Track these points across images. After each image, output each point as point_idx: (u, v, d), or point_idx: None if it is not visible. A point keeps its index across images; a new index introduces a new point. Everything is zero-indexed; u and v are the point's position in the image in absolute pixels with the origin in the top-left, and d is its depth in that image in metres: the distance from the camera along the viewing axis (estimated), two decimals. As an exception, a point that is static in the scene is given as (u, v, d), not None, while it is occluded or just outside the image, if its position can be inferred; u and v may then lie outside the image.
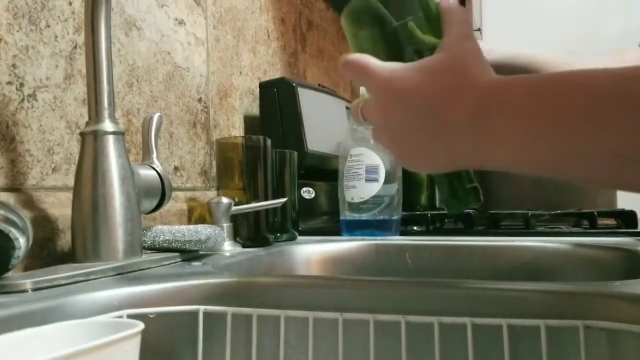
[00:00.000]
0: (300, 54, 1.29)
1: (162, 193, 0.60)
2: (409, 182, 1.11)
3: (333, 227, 0.93)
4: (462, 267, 0.76)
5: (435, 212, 1.00)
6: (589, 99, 0.31)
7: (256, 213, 0.75)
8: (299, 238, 0.85)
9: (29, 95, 0.56)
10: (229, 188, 0.75)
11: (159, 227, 0.59)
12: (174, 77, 0.81)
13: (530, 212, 0.90)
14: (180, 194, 0.79)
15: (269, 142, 0.77)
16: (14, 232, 0.39)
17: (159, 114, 0.62)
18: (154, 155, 0.61)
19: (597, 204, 1.01)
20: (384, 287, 0.42)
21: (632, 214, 0.90)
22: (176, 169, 0.80)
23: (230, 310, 0.43)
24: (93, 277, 0.47)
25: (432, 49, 0.42)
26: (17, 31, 0.55)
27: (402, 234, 0.89)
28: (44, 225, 0.54)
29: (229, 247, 0.69)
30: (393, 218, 0.87)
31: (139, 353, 0.31)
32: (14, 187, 0.54)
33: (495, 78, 0.36)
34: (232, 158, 0.75)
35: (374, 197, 0.86)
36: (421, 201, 1.15)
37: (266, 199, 0.76)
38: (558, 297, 0.39)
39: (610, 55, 0.61)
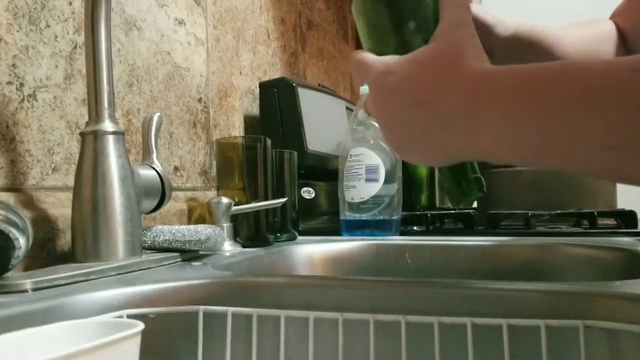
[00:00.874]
0: (300, 54, 1.29)
1: (162, 193, 0.60)
2: (409, 182, 1.11)
3: (333, 227, 0.93)
4: (462, 267, 0.76)
5: (435, 212, 1.00)
6: (581, 89, 0.31)
7: (256, 213, 0.75)
8: (299, 238, 0.85)
9: (29, 95, 0.56)
10: (229, 188, 0.75)
11: (159, 227, 0.59)
12: (174, 77, 0.81)
13: (530, 212, 0.90)
14: (180, 194, 0.79)
15: (269, 142, 0.77)
16: (14, 232, 0.39)
17: (159, 114, 0.62)
18: (154, 155, 0.61)
19: (597, 204, 1.01)
20: (384, 287, 0.42)
21: (632, 214, 0.89)
22: (176, 169, 0.80)
23: (230, 310, 0.43)
24: (93, 277, 0.47)
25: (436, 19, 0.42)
26: (17, 31, 0.55)
27: (402, 234, 0.89)
28: (44, 225, 0.54)
29: (229, 247, 0.69)
30: (393, 218, 0.87)
31: (139, 353, 0.31)
32: (14, 187, 0.54)
33: (486, 67, 0.36)
34: (232, 158, 0.75)
35: (374, 197, 0.86)
36: (421, 201, 1.15)
37: (266, 199, 0.76)
38: (558, 297, 0.39)
39: (587, 25, 0.62)
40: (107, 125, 0.52)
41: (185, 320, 0.44)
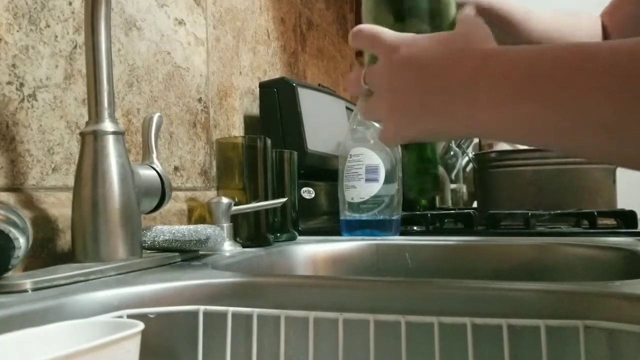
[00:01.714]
0: (300, 54, 1.29)
1: (162, 193, 0.60)
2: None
3: (333, 227, 0.93)
4: (462, 267, 0.76)
5: (435, 212, 1.00)
6: (580, 70, 0.32)
7: (256, 213, 0.75)
8: (299, 238, 0.85)
9: (29, 95, 0.56)
10: (229, 188, 0.75)
11: (159, 227, 0.59)
12: (174, 77, 0.81)
13: (530, 212, 0.90)
14: (180, 194, 0.79)
15: (269, 142, 0.77)
16: (14, 232, 0.39)
17: (159, 114, 0.62)
18: (154, 155, 0.61)
19: (597, 204, 1.01)
20: (384, 287, 0.42)
21: (632, 214, 0.90)
22: (176, 169, 0.80)
23: (230, 310, 0.43)
24: (93, 277, 0.47)
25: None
26: (17, 31, 0.55)
27: (402, 234, 0.89)
28: (44, 225, 0.54)
29: (229, 247, 0.69)
30: (393, 218, 0.87)
31: (139, 353, 0.31)
32: (14, 187, 0.54)
33: (495, 47, 0.38)
34: (232, 158, 0.75)
35: (374, 197, 0.86)
36: (421, 201, 1.15)
37: (266, 199, 0.76)
38: (558, 297, 0.39)
39: (567, 15, 0.64)
40: (107, 125, 0.52)
41: (185, 320, 0.44)
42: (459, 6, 0.53)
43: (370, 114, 0.46)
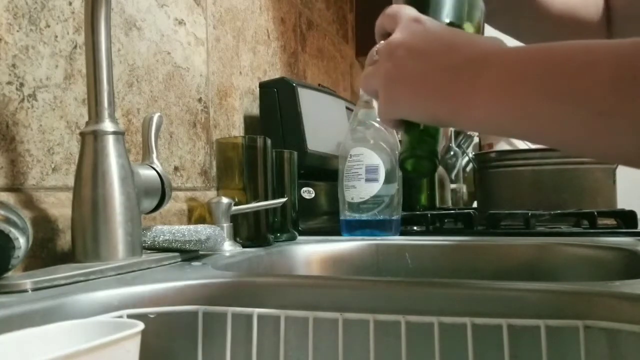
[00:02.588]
0: (300, 54, 1.29)
1: (162, 193, 0.60)
2: (409, 182, 1.12)
3: (333, 227, 0.93)
4: (462, 267, 0.76)
5: (435, 212, 1.00)
6: (589, 60, 0.33)
7: (256, 213, 0.75)
8: (299, 238, 0.85)
9: (29, 95, 0.56)
10: (229, 188, 0.75)
11: (159, 227, 0.59)
12: (174, 77, 0.81)
13: (530, 212, 0.90)
14: (180, 194, 0.79)
15: (269, 142, 0.77)
16: (14, 232, 0.39)
17: (159, 114, 0.62)
18: (154, 155, 0.61)
19: (597, 204, 1.01)
20: (384, 287, 0.42)
21: (632, 214, 0.90)
22: (176, 169, 0.80)
23: (230, 310, 0.43)
24: (93, 277, 0.47)
25: None
26: (17, 31, 0.55)
27: (402, 234, 0.89)
28: (44, 225, 0.54)
29: (229, 247, 0.69)
30: (393, 218, 0.87)
31: (139, 353, 0.31)
32: (14, 187, 0.54)
33: (506, 46, 0.39)
34: (232, 158, 0.75)
35: (374, 197, 0.86)
36: (421, 201, 1.15)
37: (266, 199, 0.76)
38: (558, 297, 0.39)
39: None
40: (107, 125, 0.52)
41: (185, 320, 0.44)
42: None
43: (367, 82, 0.45)
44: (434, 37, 0.41)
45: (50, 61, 0.59)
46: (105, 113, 0.52)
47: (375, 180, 0.86)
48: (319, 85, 1.25)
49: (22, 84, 0.55)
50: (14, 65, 0.55)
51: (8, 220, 0.39)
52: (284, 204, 0.79)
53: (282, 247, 0.75)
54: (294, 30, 1.26)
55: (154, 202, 0.59)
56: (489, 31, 0.53)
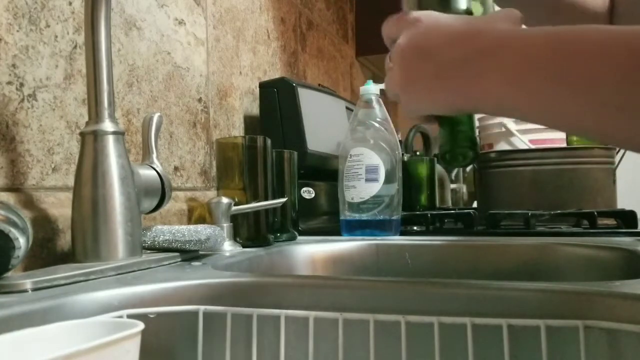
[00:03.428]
0: (300, 54, 1.29)
1: (162, 193, 0.60)
2: (409, 182, 1.12)
3: (333, 227, 0.93)
4: (462, 267, 0.76)
5: (435, 212, 1.00)
6: (604, 48, 0.32)
7: (256, 213, 0.75)
8: (299, 238, 0.85)
9: (29, 95, 0.56)
10: (229, 188, 0.75)
11: (159, 227, 0.59)
12: (174, 77, 0.81)
13: (530, 212, 0.90)
14: (180, 194, 0.79)
15: (269, 142, 0.77)
16: (14, 232, 0.39)
17: (159, 114, 0.62)
18: (154, 155, 0.61)
19: (597, 204, 1.01)
20: (384, 287, 0.42)
21: (632, 214, 0.89)
22: (176, 169, 0.80)
23: (230, 310, 0.43)
24: (93, 277, 0.47)
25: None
26: (17, 31, 0.55)
27: (402, 234, 0.89)
28: (44, 225, 0.54)
29: (229, 247, 0.69)
30: (393, 218, 0.87)
31: (139, 353, 0.31)
32: (14, 187, 0.54)
33: (517, 28, 0.40)
34: (232, 158, 0.75)
35: (374, 197, 0.86)
36: (421, 201, 1.15)
37: (266, 199, 0.76)
38: (558, 297, 0.39)
39: None
40: (107, 125, 0.52)
41: (185, 320, 0.44)
42: None
43: (388, 88, 0.46)
44: (437, 33, 0.42)
45: (50, 61, 0.59)
46: (105, 113, 0.52)
47: (375, 180, 0.86)
48: (319, 85, 1.25)
49: (22, 84, 0.55)
50: (14, 65, 0.55)
51: (8, 220, 0.39)
52: (284, 204, 0.79)
53: (282, 247, 0.75)
54: (294, 30, 1.26)
55: (154, 202, 0.59)
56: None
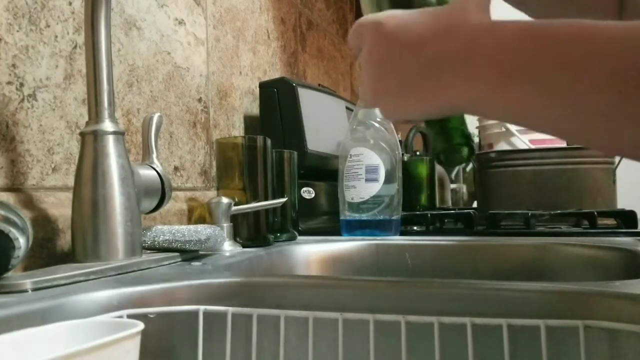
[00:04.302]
0: (300, 54, 1.29)
1: (162, 193, 0.60)
2: (409, 182, 1.12)
3: (333, 227, 0.93)
4: (462, 267, 0.76)
5: (435, 212, 1.00)
6: (586, 51, 0.30)
7: (256, 213, 0.75)
8: (299, 238, 0.85)
9: (29, 95, 0.56)
10: (229, 188, 0.75)
11: (159, 227, 0.59)
12: (174, 77, 0.81)
13: (530, 212, 0.90)
14: (180, 194, 0.79)
15: (269, 142, 0.77)
16: (14, 232, 0.39)
17: (159, 114, 0.62)
18: (154, 155, 0.61)
19: (597, 204, 1.01)
20: (384, 287, 0.42)
21: (632, 214, 0.89)
22: (176, 169, 0.80)
23: (230, 310, 0.43)
24: (93, 277, 0.47)
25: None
26: (17, 31, 0.55)
27: (402, 234, 0.89)
28: (44, 225, 0.54)
29: (229, 247, 0.69)
30: (393, 218, 0.87)
31: (139, 353, 0.31)
32: (14, 187, 0.54)
33: (487, 21, 0.36)
34: (232, 158, 0.75)
35: (374, 197, 0.86)
36: (421, 201, 1.15)
37: (266, 199, 0.76)
38: (558, 297, 0.39)
39: None
40: (107, 125, 0.52)
41: (185, 320, 0.44)
42: None
43: (361, 98, 0.43)
44: (403, 37, 0.38)
45: (50, 61, 0.59)
46: (105, 113, 0.52)
47: (375, 180, 0.86)
48: (319, 85, 1.25)
49: (22, 84, 0.55)
50: (14, 65, 0.55)
51: (8, 220, 0.39)
52: (284, 204, 0.79)
53: (282, 247, 0.75)
54: (294, 30, 1.26)
55: (154, 202, 0.59)
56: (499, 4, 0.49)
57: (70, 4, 0.62)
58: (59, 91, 0.60)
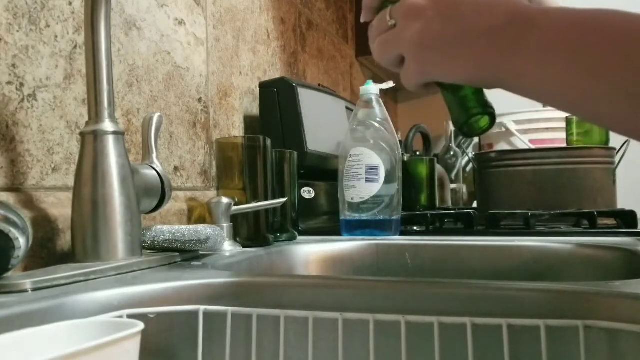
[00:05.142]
0: (300, 54, 1.29)
1: (162, 193, 0.60)
2: (409, 182, 1.12)
3: (333, 227, 0.93)
4: (462, 267, 0.76)
5: (435, 212, 1.00)
6: (625, 38, 0.32)
7: (256, 213, 0.75)
8: (299, 238, 0.85)
9: (29, 95, 0.56)
10: (229, 188, 0.75)
11: (159, 227, 0.59)
12: (174, 77, 0.81)
13: (530, 212, 0.90)
14: (180, 194, 0.79)
15: (269, 142, 0.77)
16: (14, 232, 0.39)
17: (159, 114, 0.62)
18: (154, 155, 0.61)
19: (597, 204, 1.01)
20: (384, 287, 0.42)
21: (632, 214, 0.89)
22: (176, 169, 0.80)
23: (230, 310, 0.43)
24: (93, 277, 0.47)
25: None
26: (17, 31, 0.55)
27: (402, 234, 0.89)
28: (44, 225, 0.54)
29: (229, 247, 0.69)
30: (393, 218, 0.87)
31: (139, 353, 0.31)
32: (14, 187, 0.54)
33: (547, 7, 0.37)
34: (232, 158, 0.75)
35: (374, 197, 0.86)
36: (421, 201, 1.15)
37: (266, 199, 0.76)
38: (558, 297, 0.39)
39: None
40: (107, 125, 0.52)
41: (185, 320, 0.44)
42: None
43: (385, 48, 0.41)
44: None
45: (50, 61, 0.59)
46: (105, 113, 0.52)
47: (375, 180, 0.86)
48: (319, 85, 1.25)
49: (22, 84, 0.55)
50: (14, 65, 0.55)
51: (8, 220, 0.39)
52: (284, 204, 0.79)
53: (282, 247, 0.75)
54: (294, 30, 1.26)
55: (154, 202, 0.59)
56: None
57: (70, 4, 0.62)
58: (59, 91, 0.60)
